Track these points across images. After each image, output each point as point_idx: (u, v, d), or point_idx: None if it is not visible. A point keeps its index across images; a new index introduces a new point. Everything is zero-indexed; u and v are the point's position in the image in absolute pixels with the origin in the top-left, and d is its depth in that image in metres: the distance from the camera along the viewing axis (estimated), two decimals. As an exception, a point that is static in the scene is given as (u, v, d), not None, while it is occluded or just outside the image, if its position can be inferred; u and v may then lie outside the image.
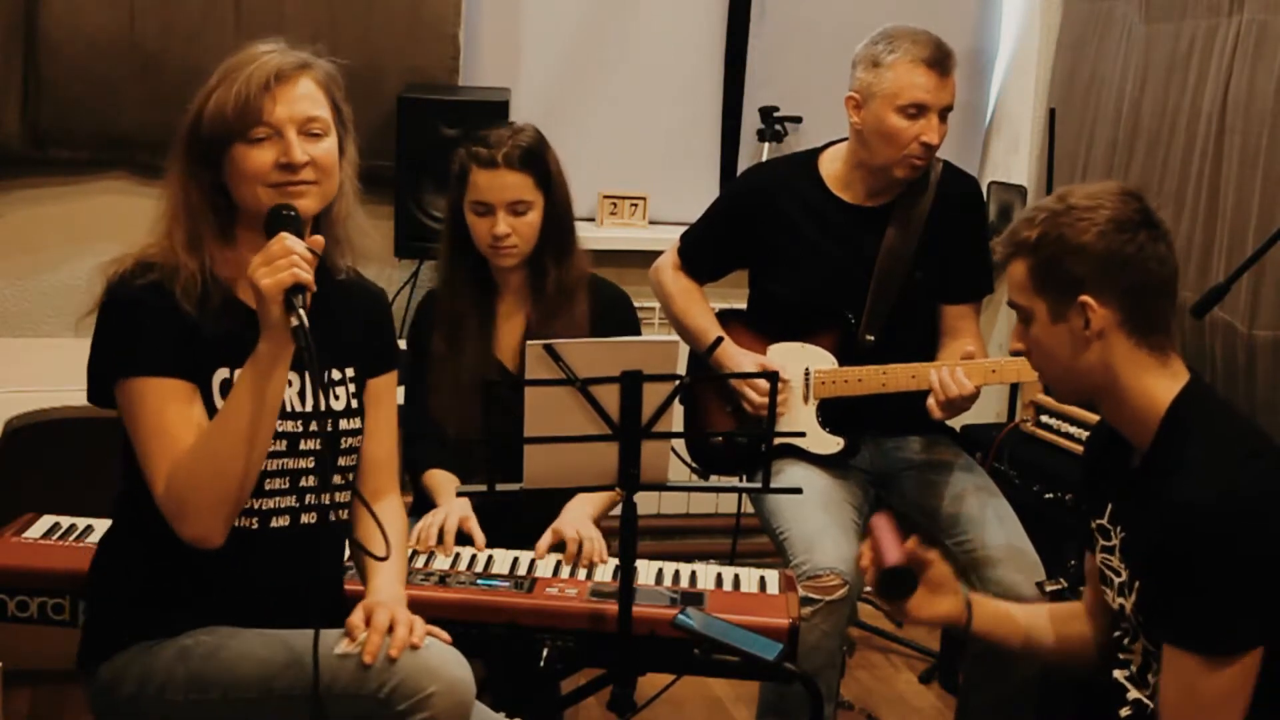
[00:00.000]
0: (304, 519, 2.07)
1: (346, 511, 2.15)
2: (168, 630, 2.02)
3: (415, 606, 2.25)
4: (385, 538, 2.02)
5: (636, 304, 2.88)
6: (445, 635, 2.03)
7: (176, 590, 2.03)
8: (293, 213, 1.95)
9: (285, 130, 1.97)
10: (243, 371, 1.93)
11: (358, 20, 3.65)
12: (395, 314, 3.79)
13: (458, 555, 2.50)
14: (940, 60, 2.83)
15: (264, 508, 2.03)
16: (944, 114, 2.86)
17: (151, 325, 1.96)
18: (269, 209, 1.96)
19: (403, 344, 2.65)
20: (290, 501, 2.06)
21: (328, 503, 2.09)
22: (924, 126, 2.82)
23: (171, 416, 1.95)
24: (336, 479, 2.11)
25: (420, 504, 2.82)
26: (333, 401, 2.11)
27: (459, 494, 2.50)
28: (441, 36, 3.73)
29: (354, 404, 2.14)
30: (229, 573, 2.02)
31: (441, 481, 2.68)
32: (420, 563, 2.46)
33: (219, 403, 1.99)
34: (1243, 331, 3.16)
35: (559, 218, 2.70)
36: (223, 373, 2.01)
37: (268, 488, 2.03)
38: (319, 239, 1.95)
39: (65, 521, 2.48)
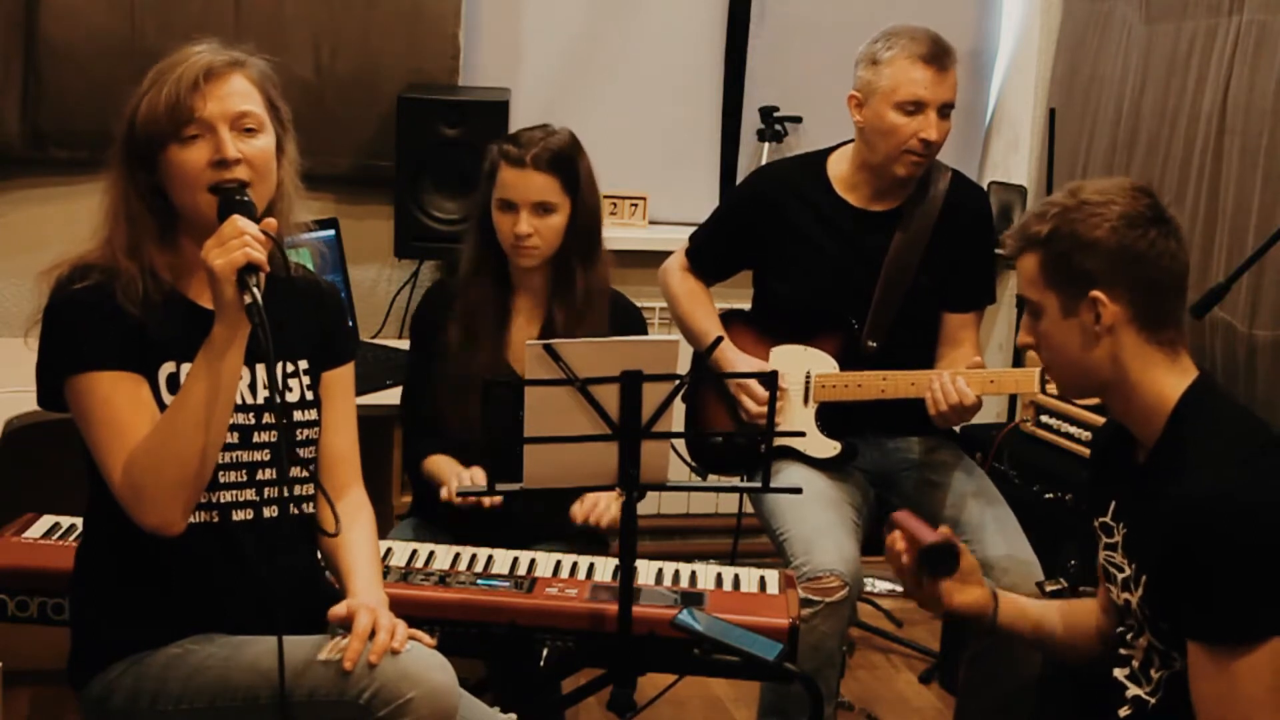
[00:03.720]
0: (267, 512, 2.07)
1: (312, 505, 2.15)
2: (156, 640, 2.02)
3: (416, 606, 2.26)
4: (335, 515, 2.06)
5: (638, 303, 2.88)
6: (428, 639, 2.03)
7: (157, 598, 2.03)
8: (245, 197, 1.95)
9: (217, 126, 1.96)
10: (198, 356, 1.93)
11: (358, 20, 3.66)
12: (395, 313, 3.84)
13: (457, 555, 2.50)
14: (937, 56, 2.83)
15: (221, 500, 2.03)
16: (944, 110, 2.86)
17: (95, 322, 1.97)
18: (221, 194, 1.95)
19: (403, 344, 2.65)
20: (250, 495, 2.06)
21: (288, 495, 2.09)
22: (922, 123, 2.83)
23: (121, 405, 1.95)
24: (296, 471, 2.10)
25: (420, 502, 2.82)
26: (286, 394, 2.11)
27: (460, 494, 2.50)
28: (441, 36, 3.73)
29: (308, 396, 2.14)
30: (202, 571, 2.02)
31: (444, 464, 2.67)
32: (420, 562, 2.47)
33: (166, 397, 1.99)
34: (1243, 331, 3.16)
35: (586, 223, 2.71)
36: (168, 367, 2.01)
37: (223, 480, 2.02)
38: (272, 221, 1.95)
39: (65, 521, 2.48)
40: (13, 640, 2.50)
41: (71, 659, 2.09)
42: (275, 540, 2.06)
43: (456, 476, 2.57)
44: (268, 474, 2.07)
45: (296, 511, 2.12)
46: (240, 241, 1.87)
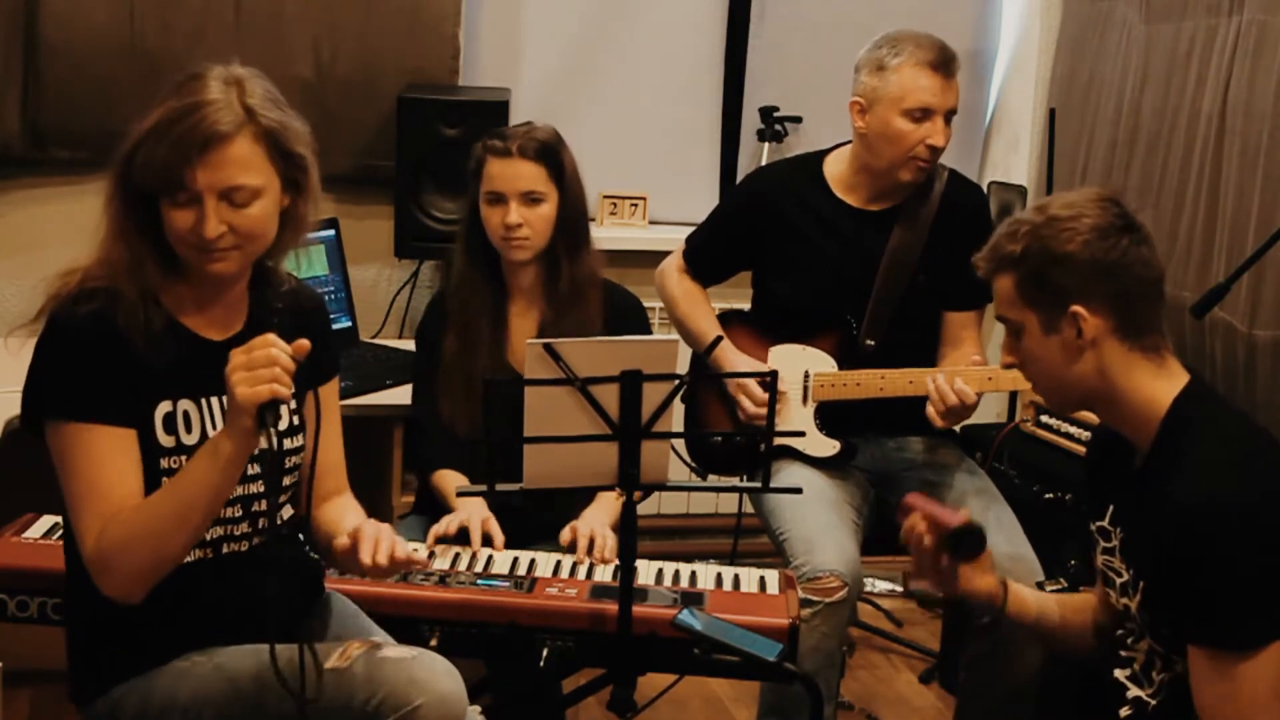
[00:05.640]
0: (256, 541, 2.06)
1: (285, 525, 2.15)
2: (160, 657, 2.01)
3: (416, 606, 2.28)
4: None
5: (638, 304, 2.89)
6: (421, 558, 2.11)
7: (152, 628, 1.99)
8: (275, 320, 1.96)
9: (205, 200, 1.89)
10: (200, 455, 1.88)
11: (357, 20, 3.66)
12: (395, 313, 3.84)
13: (457, 555, 2.50)
14: (945, 63, 2.84)
15: (215, 536, 2.01)
16: (949, 117, 2.87)
17: (90, 364, 1.91)
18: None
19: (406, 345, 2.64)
20: (245, 528, 2.05)
21: (280, 522, 2.10)
22: (929, 129, 2.83)
23: (105, 470, 1.90)
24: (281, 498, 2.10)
25: (423, 503, 2.82)
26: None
27: (459, 494, 2.50)
28: (441, 36, 3.73)
29: (295, 421, 2.11)
30: (196, 602, 2.01)
31: (453, 482, 2.68)
32: (421, 562, 2.47)
33: (161, 437, 1.95)
34: (1243, 331, 3.16)
35: (572, 215, 2.72)
36: (165, 406, 1.97)
37: (219, 516, 1.99)
38: (304, 344, 1.88)
39: (65, 521, 2.48)
40: (13, 640, 2.49)
41: (73, 681, 2.07)
42: (262, 566, 2.05)
43: (448, 525, 2.56)
44: (262, 505, 2.05)
45: (280, 533, 2.11)
46: (270, 373, 1.81)
